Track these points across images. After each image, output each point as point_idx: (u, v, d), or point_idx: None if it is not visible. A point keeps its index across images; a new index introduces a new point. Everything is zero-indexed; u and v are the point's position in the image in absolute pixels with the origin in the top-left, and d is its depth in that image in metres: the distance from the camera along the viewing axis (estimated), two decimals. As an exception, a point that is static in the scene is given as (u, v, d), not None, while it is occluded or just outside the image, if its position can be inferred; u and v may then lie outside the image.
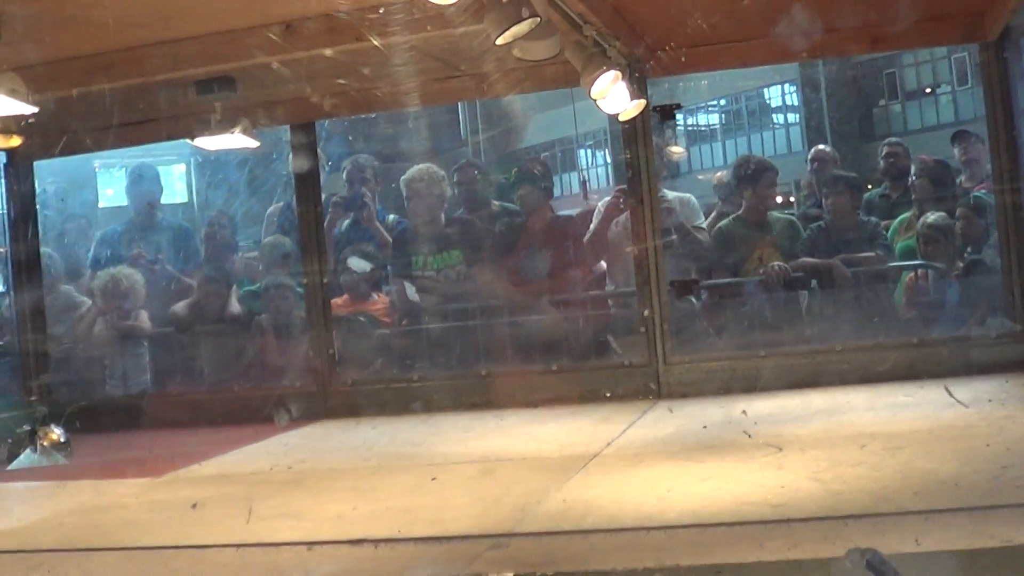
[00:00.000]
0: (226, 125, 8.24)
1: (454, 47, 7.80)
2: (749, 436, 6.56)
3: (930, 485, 5.01)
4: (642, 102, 8.36)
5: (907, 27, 8.55)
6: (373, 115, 13.16)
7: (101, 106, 8.18)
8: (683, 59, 8.81)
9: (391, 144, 14.94)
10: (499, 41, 5.82)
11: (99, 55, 7.21)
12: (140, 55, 7.19)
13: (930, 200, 9.56)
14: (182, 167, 30.53)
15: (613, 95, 7.76)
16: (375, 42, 7.12)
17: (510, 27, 5.71)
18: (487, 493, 5.87)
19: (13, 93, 6.56)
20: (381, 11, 6.72)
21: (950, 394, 6.78)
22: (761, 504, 4.99)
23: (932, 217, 9.31)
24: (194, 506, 5.98)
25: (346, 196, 10.51)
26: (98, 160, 17.11)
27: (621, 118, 8.41)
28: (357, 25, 6.84)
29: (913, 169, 10.03)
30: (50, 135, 9.09)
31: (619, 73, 7.57)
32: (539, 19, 5.80)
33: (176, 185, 31.19)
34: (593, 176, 35.43)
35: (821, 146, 13.44)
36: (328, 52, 7.24)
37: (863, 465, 5.54)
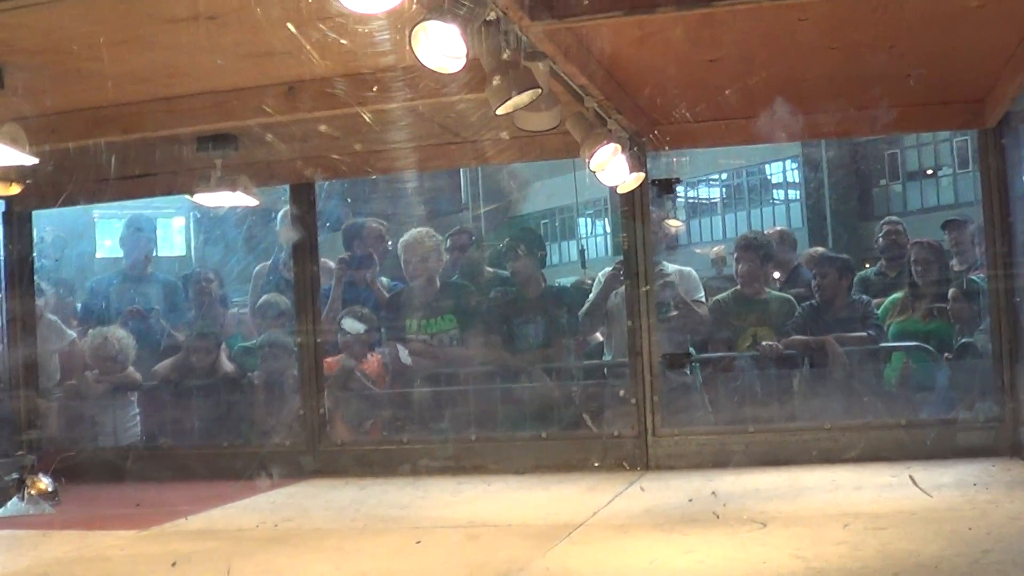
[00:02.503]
0: (225, 182, 8.29)
1: (455, 114, 7.87)
2: (717, 516, 6.55)
3: (910, 566, 5.02)
4: (641, 175, 8.41)
5: (908, 111, 8.65)
6: (374, 177, 13.27)
7: (100, 159, 8.24)
8: (683, 134, 8.89)
9: (392, 206, 15.02)
10: (500, 111, 5.86)
11: (99, 109, 7.25)
12: (140, 110, 7.24)
13: (926, 283, 9.60)
14: (181, 220, 30.71)
15: (612, 167, 7.81)
16: (372, 109, 7.19)
17: (511, 97, 5.76)
18: (470, 559, 5.88)
19: (14, 143, 6.61)
20: (382, 76, 6.78)
21: (914, 483, 6.77)
22: (742, 580, 5.01)
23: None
24: (174, 564, 5.97)
25: (355, 256, 10.53)
26: (97, 210, 17.16)
27: (620, 190, 8.46)
28: (357, 90, 6.90)
29: (911, 251, 10.07)
30: (49, 185, 9.13)
31: (619, 146, 7.63)
32: (540, 90, 5.86)
33: (175, 238, 31.38)
34: (592, 245, 35.55)
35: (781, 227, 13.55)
36: (328, 115, 7.29)
37: (845, 544, 5.55)
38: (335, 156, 9.10)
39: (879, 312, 9.73)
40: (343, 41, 6.18)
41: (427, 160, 9.39)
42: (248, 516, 7.56)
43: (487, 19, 5.49)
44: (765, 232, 11.98)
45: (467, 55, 5.31)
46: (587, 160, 7.49)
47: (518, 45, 5.88)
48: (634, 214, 8.89)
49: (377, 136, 8.45)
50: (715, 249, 14.53)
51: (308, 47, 6.23)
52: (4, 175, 8.90)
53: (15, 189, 9.20)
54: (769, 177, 36.72)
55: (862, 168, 31.77)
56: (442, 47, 5.24)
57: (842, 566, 5.11)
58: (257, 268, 11.21)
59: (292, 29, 6.01)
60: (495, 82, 5.75)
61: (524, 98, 5.81)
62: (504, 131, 8.41)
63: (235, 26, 5.99)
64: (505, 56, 5.70)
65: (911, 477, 6.88)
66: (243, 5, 5.73)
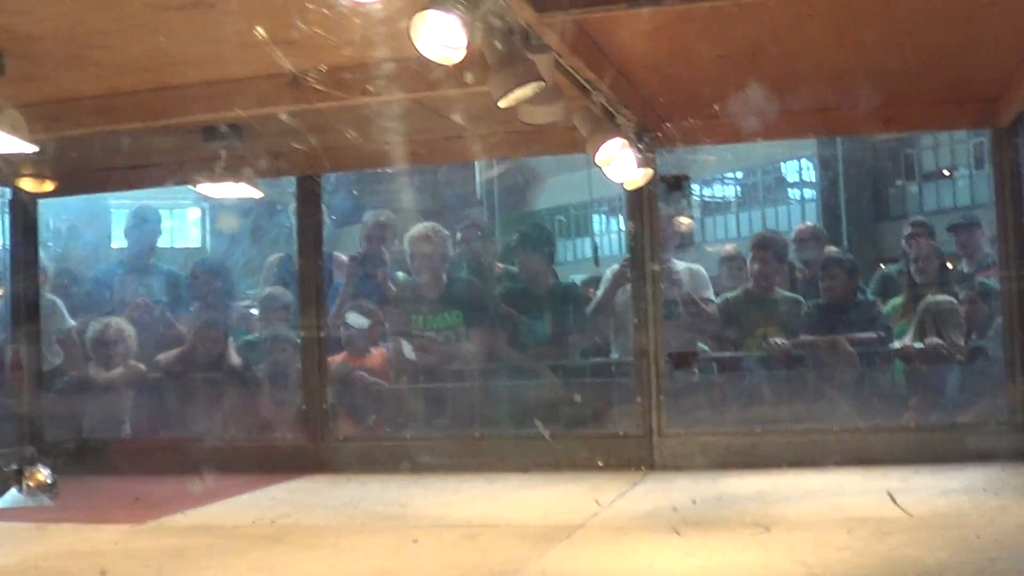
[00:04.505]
0: (230, 173, 8.22)
1: (461, 107, 7.77)
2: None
3: (914, 574, 4.92)
4: (649, 171, 8.31)
5: (920, 109, 8.55)
6: (390, 171, 13.19)
7: (105, 147, 8.17)
8: (692, 130, 8.79)
9: (406, 200, 14.92)
10: (502, 104, 5.77)
11: (103, 97, 7.16)
12: (144, 99, 7.14)
13: (929, 285, 9.49)
14: (197, 212, 30.71)
15: (619, 163, 7.70)
16: (377, 100, 7.10)
17: (514, 90, 5.66)
18: (465, 559, 5.79)
19: (13, 130, 6.54)
20: (386, 67, 6.68)
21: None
22: (741, 585, 4.92)
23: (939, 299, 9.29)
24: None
25: (364, 252, 10.44)
26: (113, 199, 17.11)
27: (627, 186, 8.36)
28: (361, 81, 6.80)
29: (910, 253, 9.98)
30: (55, 174, 9.06)
31: (626, 141, 7.53)
32: (544, 84, 5.76)
33: (191, 230, 31.38)
34: (606, 242, 35.44)
35: (807, 223, 13.41)
36: (333, 105, 7.18)
37: (849, 550, 5.45)
38: (340, 148, 9.00)
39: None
40: (346, 30, 6.10)
41: (433, 154, 9.30)
42: (246, 512, 7.49)
43: (490, 9, 5.40)
44: (803, 226, 11.78)
45: (467, 46, 5.22)
46: (593, 154, 7.38)
47: (522, 37, 5.79)
48: (642, 211, 8.79)
49: (380, 128, 8.35)
50: (726, 247, 14.41)
51: (311, 35, 6.14)
52: (37, 172, 8.92)
53: (48, 186, 9.20)
54: (784, 176, 36.59)
55: (878, 168, 31.65)
56: (442, 37, 5.16)
57: (844, 572, 5.02)
58: (269, 260, 11.12)
59: (294, 18, 5.92)
60: (498, 75, 5.66)
61: (527, 91, 5.71)
62: (510, 125, 8.30)
63: (235, 15, 5.90)
64: (508, 49, 5.60)
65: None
66: (242, -8, 5.66)
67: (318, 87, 6.87)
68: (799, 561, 5.25)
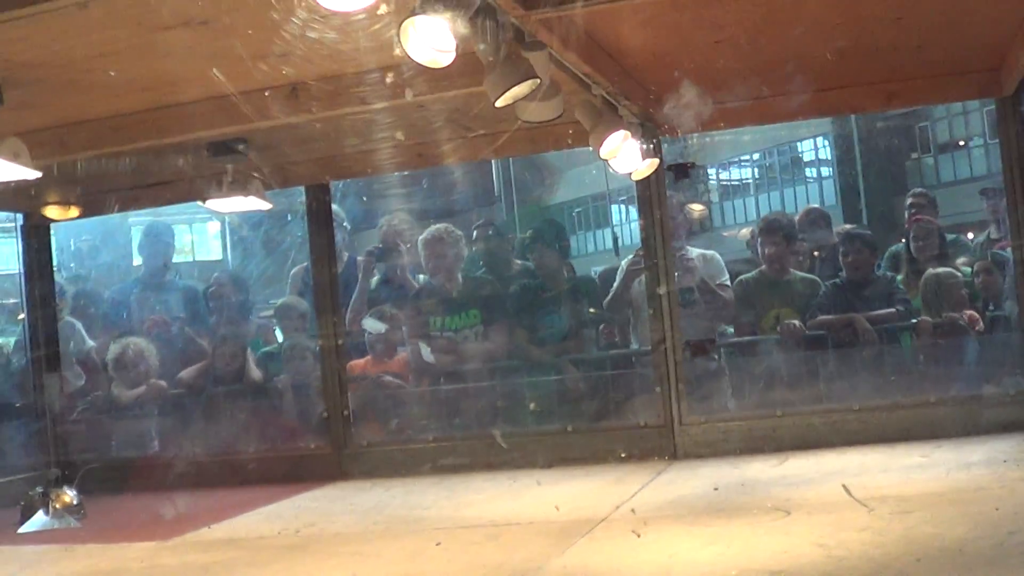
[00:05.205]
0: (238, 187, 8.24)
1: (464, 108, 7.77)
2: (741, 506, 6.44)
3: (934, 552, 4.91)
4: (655, 161, 8.32)
5: (922, 83, 8.52)
6: (406, 173, 13.21)
7: (112, 169, 8.20)
8: (696, 117, 8.77)
9: (423, 202, 14.93)
10: (499, 103, 5.78)
11: (104, 120, 7.20)
12: (144, 119, 7.17)
13: (928, 260, 9.48)
14: (217, 225, 30.76)
15: (624, 154, 7.71)
16: (378, 108, 7.12)
17: (509, 89, 5.67)
18: (488, 559, 5.80)
19: (15, 158, 6.56)
20: (385, 73, 6.69)
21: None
22: (762, 571, 4.91)
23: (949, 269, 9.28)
24: None
25: (381, 247, 10.45)
26: (133, 216, 17.19)
27: (634, 177, 8.37)
28: (360, 88, 6.82)
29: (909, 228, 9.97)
30: (64, 198, 9.11)
31: (628, 132, 7.53)
32: (539, 81, 5.76)
33: (211, 243, 31.45)
34: (626, 232, 35.37)
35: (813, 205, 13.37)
36: (333, 114, 7.21)
37: (868, 530, 5.45)
38: (346, 155, 9.03)
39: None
40: (340, 39, 6.11)
41: (439, 156, 9.30)
42: (271, 523, 7.51)
43: (481, 10, 5.41)
44: (810, 209, 11.75)
45: (457, 48, 5.23)
46: (596, 148, 7.39)
47: (515, 35, 5.80)
48: (651, 201, 8.79)
49: (386, 134, 8.37)
50: (742, 231, 14.40)
51: (305, 47, 6.15)
52: (63, 199, 8.99)
53: (74, 212, 9.26)
54: (800, 155, 36.45)
55: (893, 143, 31.49)
56: (431, 41, 5.17)
57: (864, 553, 5.00)
58: (293, 270, 11.14)
59: (287, 30, 5.93)
60: (492, 74, 5.67)
61: (523, 89, 5.72)
62: (516, 123, 8.30)
63: (229, 30, 5.92)
64: (501, 48, 5.61)
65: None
66: (234, 8, 5.66)
67: (317, 97, 6.89)
68: (819, 544, 5.25)
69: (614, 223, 35.97)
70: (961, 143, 32.63)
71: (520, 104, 6.11)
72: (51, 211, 9.58)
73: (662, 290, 8.70)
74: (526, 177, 27.81)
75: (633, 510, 6.66)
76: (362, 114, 7.55)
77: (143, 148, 7.71)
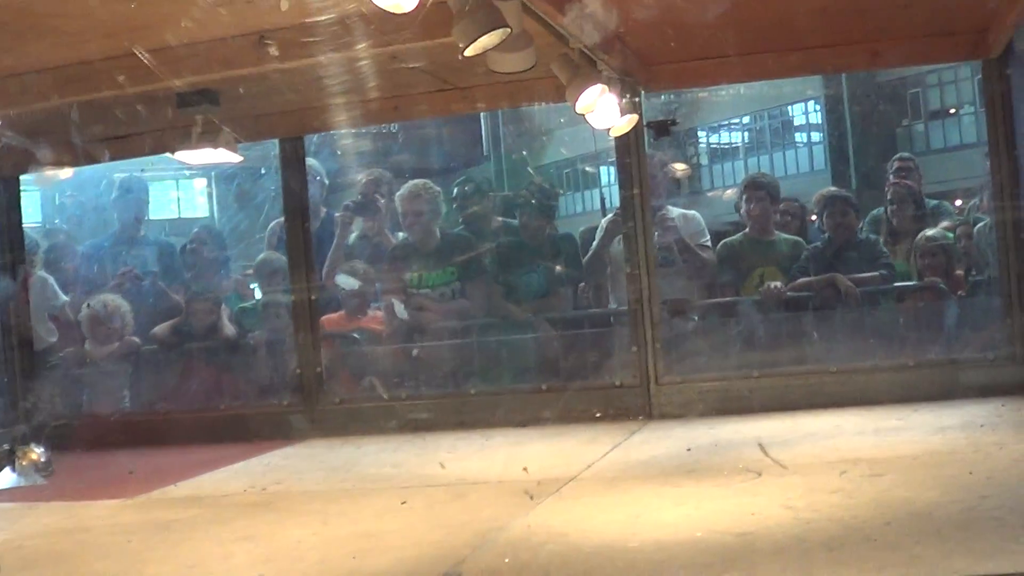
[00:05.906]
0: (208, 139, 8.06)
1: (439, 59, 7.62)
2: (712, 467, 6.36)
3: (904, 515, 4.81)
4: (634, 117, 8.19)
5: (908, 43, 8.40)
6: (394, 129, 13.08)
7: (79, 119, 8.04)
8: (677, 74, 8.67)
9: (410, 159, 14.76)
10: (468, 52, 5.63)
11: (69, 67, 7.04)
12: (111, 66, 7.01)
13: (906, 223, 9.41)
14: (203, 182, 30.55)
15: (601, 110, 7.58)
16: (347, 56, 6.97)
17: (478, 38, 5.53)
18: (453, 518, 5.70)
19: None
20: (357, 20, 6.54)
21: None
22: (728, 532, 4.80)
23: (931, 233, 9.18)
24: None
25: (358, 201, 10.31)
26: (117, 173, 17.00)
27: (612, 134, 8.25)
28: (330, 37, 6.66)
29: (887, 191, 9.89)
30: (31, 149, 8.94)
31: (605, 87, 7.39)
32: (510, 30, 5.62)
33: (197, 199, 31.23)
34: (613, 193, 35.24)
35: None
36: (303, 64, 7.06)
37: (839, 493, 5.34)
38: (319, 107, 8.87)
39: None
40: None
41: (416, 109, 9.14)
42: (238, 480, 7.41)
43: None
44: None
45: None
46: (573, 103, 7.25)
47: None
48: (630, 158, 8.66)
49: (359, 85, 8.21)
50: (727, 192, 14.29)
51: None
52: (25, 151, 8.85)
53: (36, 165, 9.11)
54: (791, 119, 36.30)
55: (884, 109, 31.36)
56: (395, -14, 5.04)
57: (832, 515, 4.90)
58: (271, 225, 11.00)
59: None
60: (461, 22, 5.53)
61: (493, 38, 5.57)
62: (493, 76, 8.16)
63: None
64: (471, -5, 5.47)
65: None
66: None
67: (286, 45, 6.74)
68: (787, 506, 5.15)
69: (602, 184, 35.89)
70: (952, 111, 32.52)
71: (491, 54, 5.98)
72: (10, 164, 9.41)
73: (642, 240, 8.58)
74: (516, 136, 27.63)
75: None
76: (333, 65, 7.40)
77: (108, 98, 7.53)
